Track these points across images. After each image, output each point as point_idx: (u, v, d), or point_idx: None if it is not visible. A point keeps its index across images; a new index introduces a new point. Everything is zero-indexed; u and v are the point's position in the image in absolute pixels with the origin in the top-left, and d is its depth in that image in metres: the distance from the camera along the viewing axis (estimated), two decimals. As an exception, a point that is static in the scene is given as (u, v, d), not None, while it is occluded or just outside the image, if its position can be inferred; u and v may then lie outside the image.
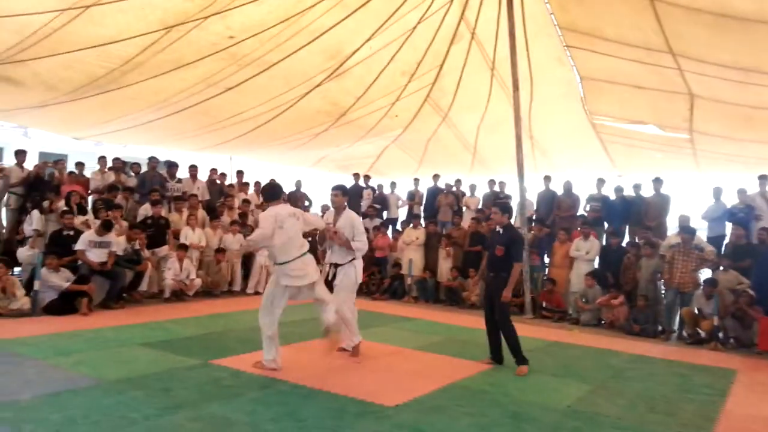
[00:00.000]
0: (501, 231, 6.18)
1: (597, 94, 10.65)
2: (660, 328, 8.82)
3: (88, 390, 4.58)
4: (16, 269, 8.89)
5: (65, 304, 7.73)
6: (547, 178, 12.05)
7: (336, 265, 6.35)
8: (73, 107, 9.84)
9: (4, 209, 10.05)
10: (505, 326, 6.04)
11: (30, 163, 10.76)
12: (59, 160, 11.19)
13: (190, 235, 10.06)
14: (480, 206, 12.54)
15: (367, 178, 14.25)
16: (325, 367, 5.71)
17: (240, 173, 13.36)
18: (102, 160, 11.36)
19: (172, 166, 11.62)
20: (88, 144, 15.23)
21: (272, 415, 4.24)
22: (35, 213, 9.02)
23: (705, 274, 8.93)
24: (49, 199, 9.35)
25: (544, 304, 9.98)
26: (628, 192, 11.09)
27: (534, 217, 11.49)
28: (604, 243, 10.30)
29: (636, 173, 12.69)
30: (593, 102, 10.91)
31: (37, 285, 7.66)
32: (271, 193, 5.96)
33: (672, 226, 10.33)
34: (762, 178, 9.84)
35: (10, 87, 8.70)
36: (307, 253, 5.69)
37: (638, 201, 10.85)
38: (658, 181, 10.68)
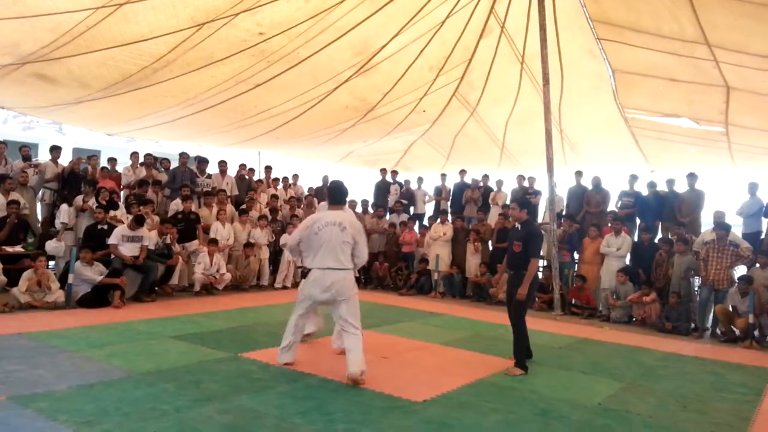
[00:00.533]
0: (519, 227, 6.08)
1: (629, 87, 10.46)
2: (693, 325, 8.64)
3: (120, 381, 4.67)
4: (51, 263, 9.11)
5: (98, 297, 7.90)
6: (579, 174, 11.87)
7: None
8: (105, 104, 10.04)
9: (39, 204, 10.30)
10: (517, 324, 5.88)
11: (64, 159, 10.99)
12: (92, 156, 11.41)
13: (219, 230, 10.17)
14: (508, 202, 12.43)
15: (394, 173, 14.24)
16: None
17: (268, 169, 13.48)
18: (134, 155, 11.55)
19: (202, 162, 11.78)
20: (120, 140, 15.50)
21: (301, 409, 4.27)
22: (64, 207, 9.24)
23: (740, 271, 8.72)
24: (85, 192, 9.56)
25: (573, 301, 9.86)
26: (662, 188, 10.87)
27: (564, 213, 11.36)
28: (636, 239, 10.13)
29: (669, 169, 12.46)
30: (625, 95, 10.72)
31: (71, 278, 7.83)
32: (331, 197, 5.45)
33: (706, 223, 10.10)
34: None
35: (45, 84, 8.90)
36: (346, 270, 5.21)
37: (671, 197, 10.63)
38: (692, 177, 10.44)
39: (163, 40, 8.05)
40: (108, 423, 3.77)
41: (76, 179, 10.15)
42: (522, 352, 5.81)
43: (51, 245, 8.85)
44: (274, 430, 3.84)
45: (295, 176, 14.14)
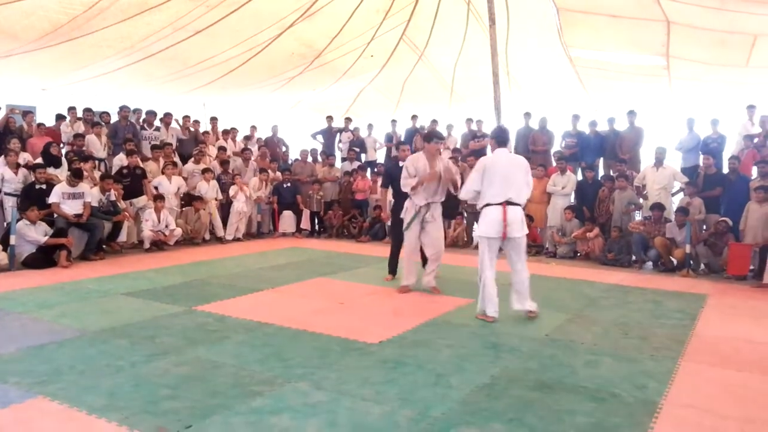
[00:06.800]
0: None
1: (573, 26, 10.50)
2: (633, 258, 9.04)
3: (72, 341, 4.61)
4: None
5: (44, 258, 7.69)
6: (527, 115, 12.00)
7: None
8: (38, 57, 9.53)
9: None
10: None
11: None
12: (28, 112, 10.86)
13: (164, 184, 9.95)
14: (458, 146, 12.53)
15: (348, 120, 14.07)
16: (309, 309, 5.79)
17: (214, 120, 13.11)
18: (71, 111, 11.05)
19: (150, 114, 11.40)
20: (57, 95, 14.76)
21: (258, 356, 4.33)
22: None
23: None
24: (10, 149, 8.92)
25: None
26: (603, 126, 11.14)
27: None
28: (580, 178, 10.41)
29: (612, 106, 12.70)
30: (569, 33, 10.77)
31: (13, 240, 7.57)
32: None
33: (646, 159, 10.45)
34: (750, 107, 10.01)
35: (-33, 37, 8.38)
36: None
37: (612, 135, 10.93)
38: (632, 114, 10.73)
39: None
40: (62, 382, 3.74)
41: (11, 135, 9.65)
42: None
43: None
44: (233, 378, 3.89)
45: (253, 128, 13.73)
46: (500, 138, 5.79)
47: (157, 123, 11.51)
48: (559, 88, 13.02)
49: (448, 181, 6.34)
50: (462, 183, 6.25)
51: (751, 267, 8.02)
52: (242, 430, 3.13)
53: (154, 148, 10.76)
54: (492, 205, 5.45)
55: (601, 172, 10.83)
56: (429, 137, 6.49)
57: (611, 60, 11.27)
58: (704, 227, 8.85)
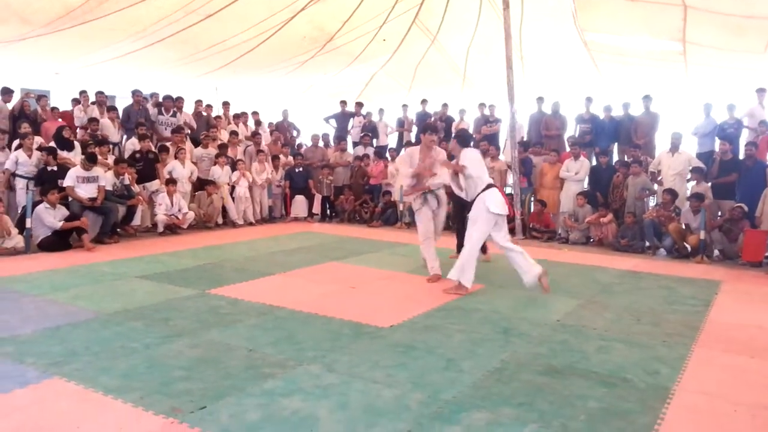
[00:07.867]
0: None
1: (588, 9, 10.36)
2: (647, 243, 8.98)
3: (87, 323, 4.66)
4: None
5: (60, 241, 7.76)
6: (540, 99, 11.88)
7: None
8: (50, 41, 9.56)
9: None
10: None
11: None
12: (42, 96, 10.92)
13: (178, 169, 9.99)
14: (471, 130, 12.43)
15: (359, 105, 14.02)
16: (321, 293, 5.82)
17: (226, 104, 13.12)
18: (83, 94, 11.10)
19: (167, 100, 11.41)
20: (71, 79, 14.83)
21: (271, 340, 4.36)
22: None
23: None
24: (24, 134, 8.96)
25: (532, 225, 10.09)
26: (618, 111, 11.01)
27: (524, 140, 11.44)
28: (594, 163, 10.32)
29: (627, 91, 12.55)
30: (584, 17, 10.63)
31: (28, 223, 7.65)
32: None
33: (661, 144, 10.33)
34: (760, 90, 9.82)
35: (-19, 20, 8.43)
36: None
37: (627, 120, 10.80)
38: (647, 99, 10.60)
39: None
40: (77, 363, 3.79)
41: (25, 118, 9.72)
42: None
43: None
44: (246, 360, 3.93)
45: (255, 113, 13.73)
46: (464, 140, 6.14)
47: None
48: (573, 73, 12.87)
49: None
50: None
51: (766, 254, 7.95)
52: (254, 411, 3.16)
53: (172, 132, 10.76)
54: (493, 186, 5.87)
55: (615, 158, 10.72)
56: (424, 129, 6.86)
57: (626, 45, 11.11)
58: (719, 213, 8.76)
